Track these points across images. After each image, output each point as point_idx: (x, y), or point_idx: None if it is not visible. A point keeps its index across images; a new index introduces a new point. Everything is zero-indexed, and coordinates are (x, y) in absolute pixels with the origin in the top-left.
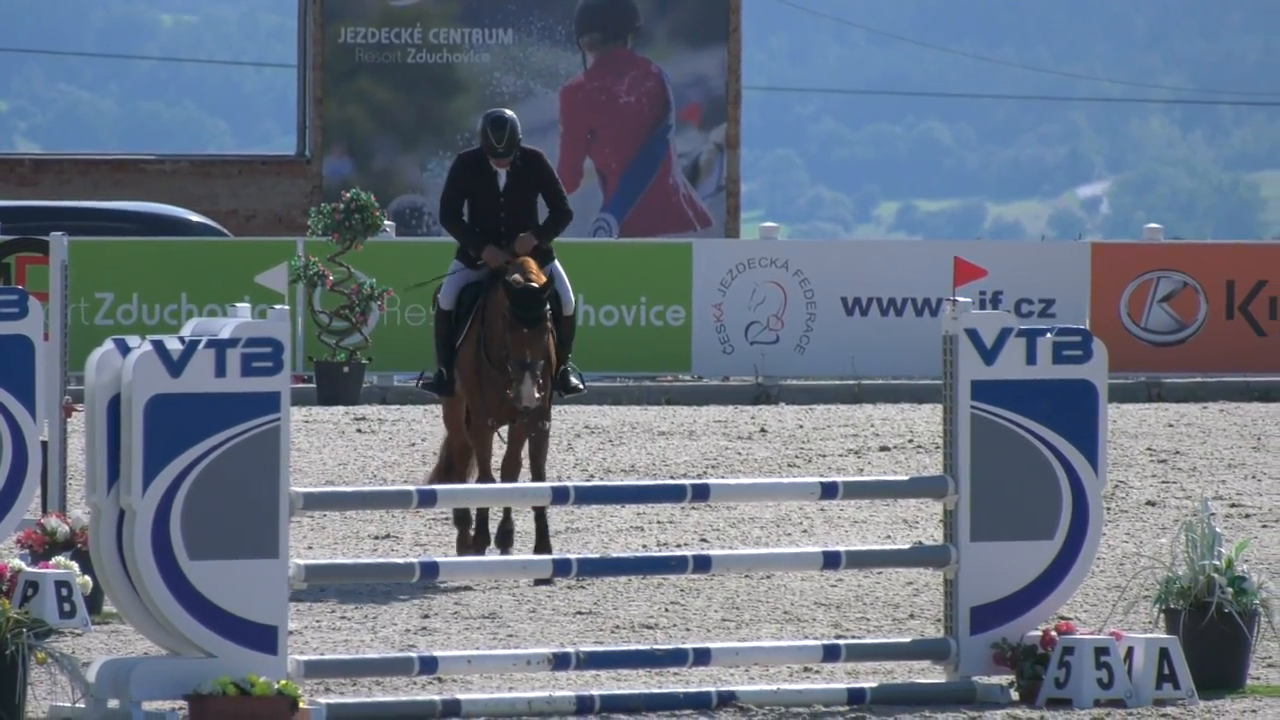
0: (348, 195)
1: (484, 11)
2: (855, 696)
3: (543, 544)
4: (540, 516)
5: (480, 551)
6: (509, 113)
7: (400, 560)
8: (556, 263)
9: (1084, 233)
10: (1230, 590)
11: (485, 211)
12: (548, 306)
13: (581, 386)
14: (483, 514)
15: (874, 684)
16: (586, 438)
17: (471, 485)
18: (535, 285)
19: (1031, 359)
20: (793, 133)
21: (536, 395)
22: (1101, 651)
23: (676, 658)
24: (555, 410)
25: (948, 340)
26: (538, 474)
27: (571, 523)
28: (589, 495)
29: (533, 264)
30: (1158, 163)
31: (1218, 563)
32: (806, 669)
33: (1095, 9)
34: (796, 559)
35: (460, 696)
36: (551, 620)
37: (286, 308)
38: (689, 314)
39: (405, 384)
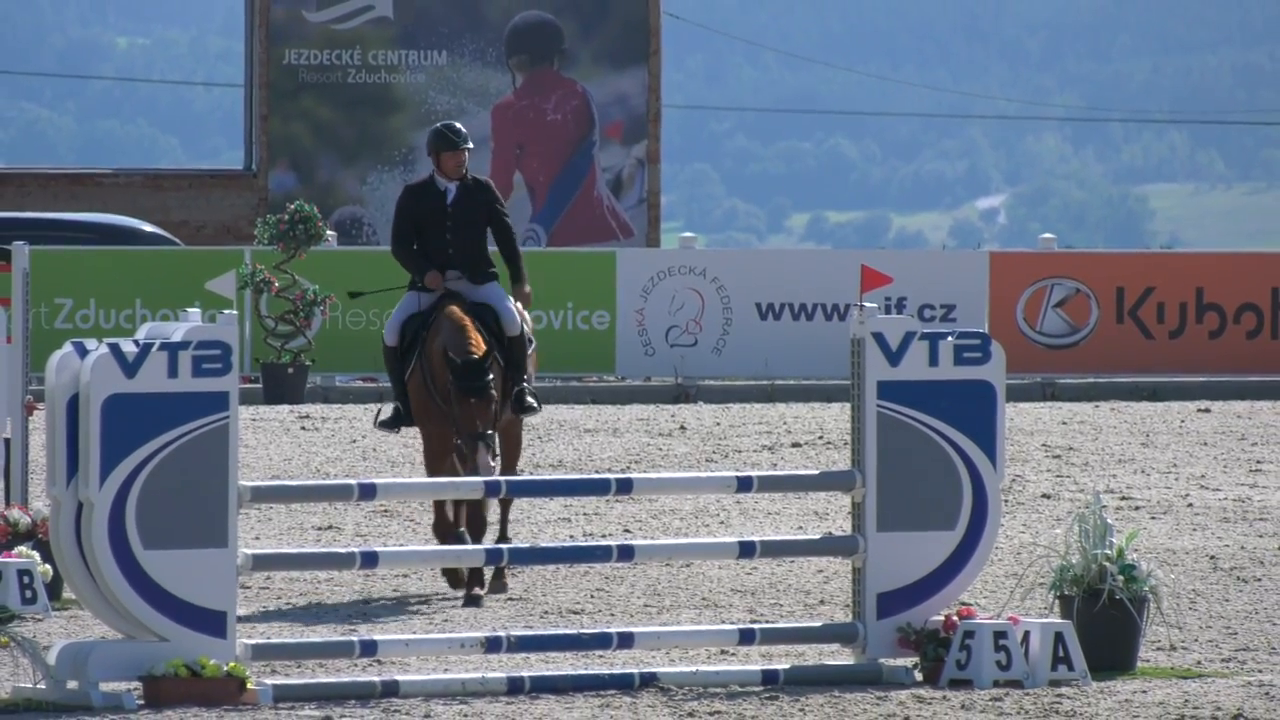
0: (292, 207)
1: (419, 34)
2: (769, 678)
3: (502, 534)
4: (504, 508)
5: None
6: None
7: (342, 550)
8: (496, 283)
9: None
10: (1121, 578)
11: (433, 233)
12: (490, 376)
13: (537, 406)
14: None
15: (787, 666)
16: None
17: (410, 480)
18: (475, 356)
19: (934, 361)
20: (709, 148)
21: (492, 464)
22: (1000, 635)
23: (602, 641)
24: None
25: (855, 343)
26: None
27: None
28: (519, 488)
29: (468, 323)
30: (1051, 176)
31: (1109, 552)
32: (724, 651)
33: (991, 32)
34: (714, 549)
35: (399, 678)
36: (484, 606)
37: (235, 313)
38: (613, 318)
39: (347, 384)
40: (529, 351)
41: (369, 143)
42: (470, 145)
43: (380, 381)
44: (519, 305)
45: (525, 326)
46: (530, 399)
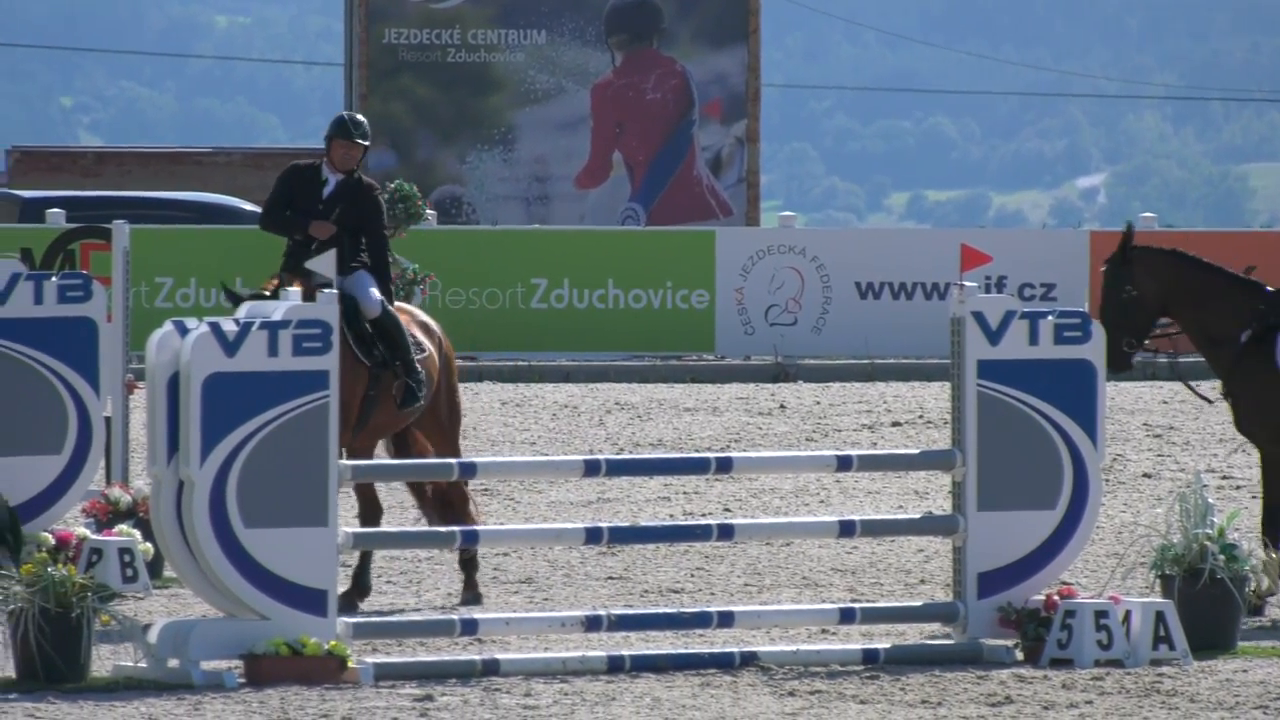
0: (392, 186)
1: (519, 13)
2: (869, 657)
3: (470, 589)
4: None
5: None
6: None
7: (443, 529)
8: (363, 272)
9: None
10: (1222, 557)
11: (303, 219)
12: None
13: (419, 399)
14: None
15: (887, 645)
16: (616, 413)
17: (511, 458)
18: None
19: (1034, 340)
20: (808, 127)
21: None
22: (1101, 615)
23: (702, 620)
24: (587, 388)
25: (955, 322)
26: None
27: (603, 493)
28: (619, 468)
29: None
30: (1151, 155)
31: (1210, 531)
32: (824, 631)
33: (1091, 12)
34: (814, 528)
35: (499, 656)
36: (584, 585)
37: (335, 292)
38: (712, 298)
39: None
40: (419, 356)
41: (468, 122)
42: (366, 143)
43: (480, 360)
44: (416, 312)
45: (415, 332)
46: (414, 392)
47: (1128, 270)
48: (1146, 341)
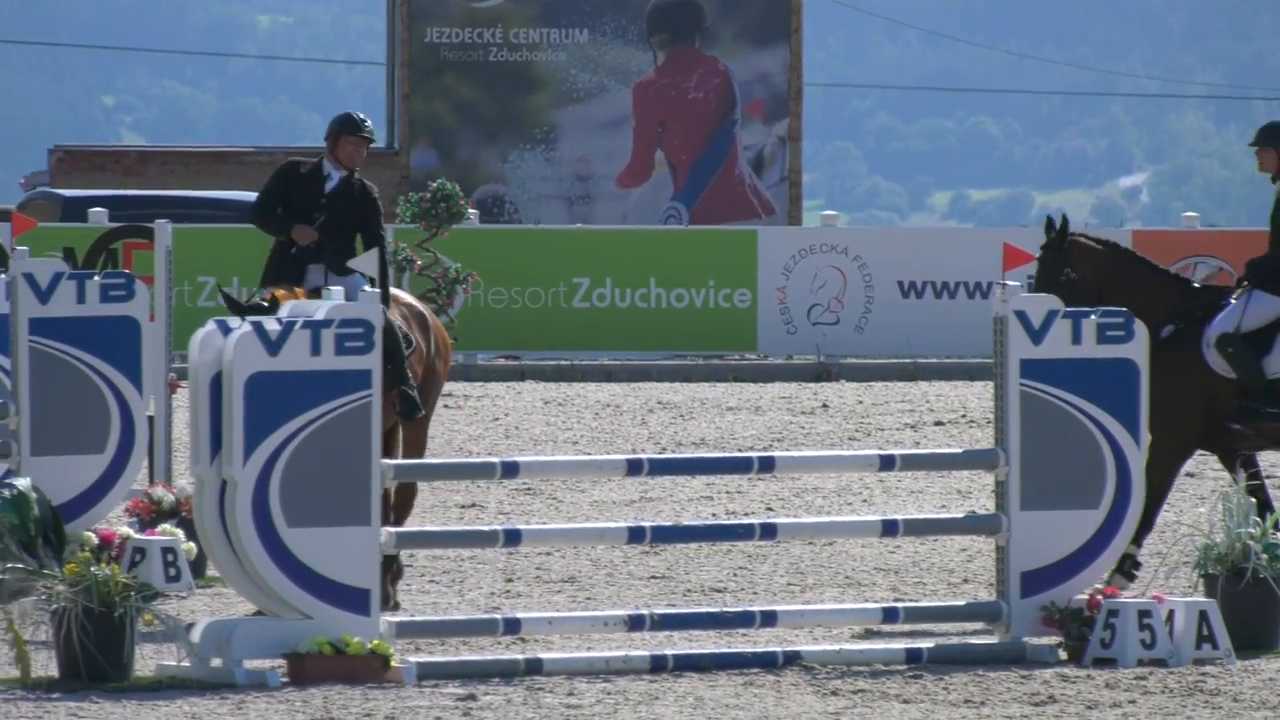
0: (434, 185)
1: (561, 13)
2: (913, 656)
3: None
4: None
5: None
6: None
7: (485, 528)
8: (359, 275)
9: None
10: (1265, 556)
11: (300, 217)
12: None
13: (419, 409)
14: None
15: (930, 644)
16: (659, 413)
17: (554, 458)
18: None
19: (1077, 339)
20: (850, 126)
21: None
22: (1144, 614)
23: (745, 619)
24: (629, 387)
25: (998, 322)
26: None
27: (645, 492)
28: (662, 467)
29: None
30: (1194, 155)
31: (1253, 531)
32: (867, 630)
33: (1133, 11)
34: (857, 527)
35: (542, 656)
36: (627, 584)
37: (377, 291)
38: (754, 297)
39: (489, 362)
40: (406, 353)
41: (510, 121)
42: (373, 139)
43: (522, 359)
44: (412, 302)
45: (410, 331)
46: (414, 401)
47: (1065, 255)
48: None
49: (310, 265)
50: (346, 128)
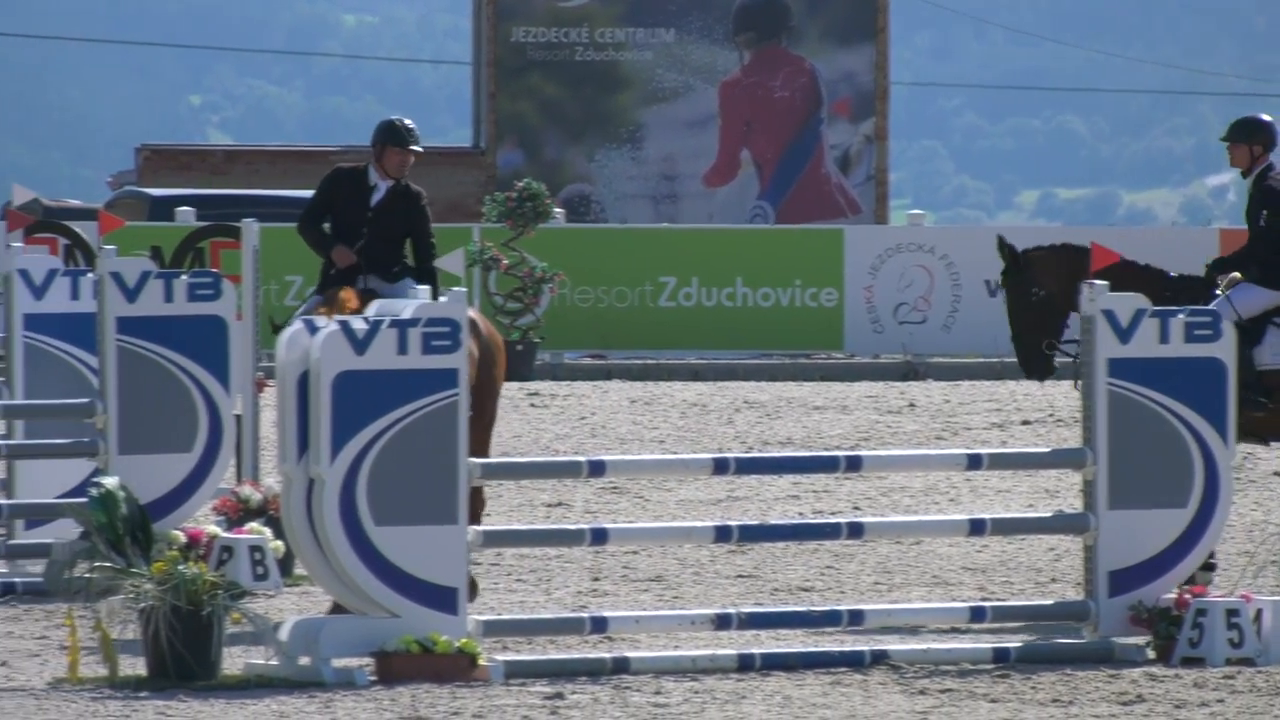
0: (520, 184)
1: (646, 12)
2: (1000, 655)
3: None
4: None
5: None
6: None
7: (572, 526)
8: (409, 279)
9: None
10: None
11: (348, 227)
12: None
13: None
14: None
15: (1018, 644)
16: (745, 412)
17: (640, 456)
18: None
19: (1164, 338)
20: (937, 125)
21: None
22: (1232, 613)
23: (832, 618)
24: (715, 386)
25: (1086, 321)
26: None
27: (732, 491)
28: (749, 466)
29: (349, 291)
30: None
31: None
32: (954, 629)
33: (1220, 10)
34: (944, 526)
35: (629, 654)
36: (714, 583)
37: (464, 290)
38: (841, 296)
39: (575, 361)
40: None
41: (596, 120)
42: (420, 149)
43: (609, 358)
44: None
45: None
46: None
47: (1028, 274)
48: (1061, 343)
49: (360, 278)
50: (393, 139)
